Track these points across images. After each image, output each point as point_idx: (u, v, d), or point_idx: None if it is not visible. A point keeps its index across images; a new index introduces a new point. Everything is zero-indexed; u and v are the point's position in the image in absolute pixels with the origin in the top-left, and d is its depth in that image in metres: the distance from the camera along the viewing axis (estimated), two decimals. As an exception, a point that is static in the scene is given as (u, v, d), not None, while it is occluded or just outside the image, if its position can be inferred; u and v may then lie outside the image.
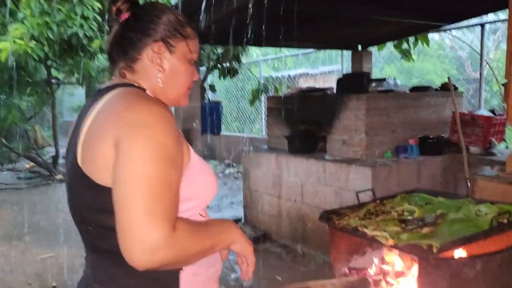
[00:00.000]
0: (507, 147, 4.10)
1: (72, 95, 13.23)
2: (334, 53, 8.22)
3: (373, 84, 3.69)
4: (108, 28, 1.18)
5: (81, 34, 4.56)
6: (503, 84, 2.14)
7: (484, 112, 3.73)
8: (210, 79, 6.69)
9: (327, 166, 3.43)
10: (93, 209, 0.87)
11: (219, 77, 5.63)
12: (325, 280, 1.33)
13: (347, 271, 1.52)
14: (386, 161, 3.34)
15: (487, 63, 4.76)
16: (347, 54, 5.42)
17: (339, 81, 3.94)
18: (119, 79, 0.97)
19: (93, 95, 0.96)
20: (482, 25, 4.37)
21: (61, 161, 6.89)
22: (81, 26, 4.60)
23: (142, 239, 0.75)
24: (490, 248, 1.28)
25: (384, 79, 3.78)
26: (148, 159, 0.79)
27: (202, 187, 0.96)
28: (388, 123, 3.48)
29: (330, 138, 3.64)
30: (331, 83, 6.01)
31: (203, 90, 5.49)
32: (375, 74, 7.73)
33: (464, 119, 3.50)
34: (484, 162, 3.52)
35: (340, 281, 1.32)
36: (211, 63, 5.57)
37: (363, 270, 1.51)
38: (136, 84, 0.95)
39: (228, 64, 5.40)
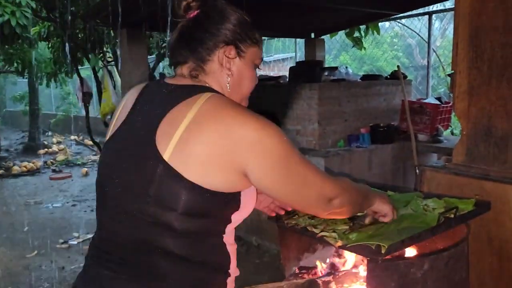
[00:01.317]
0: (452, 133, 4.24)
1: (15, 84, 12.60)
2: (288, 40, 8.19)
3: (326, 73, 3.67)
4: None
5: (13, 22, 4.24)
6: (449, 75, 2.16)
7: (431, 100, 3.81)
8: (161, 67, 6.48)
9: (280, 157, 3.39)
10: (161, 202, 0.85)
11: (170, 66, 5.45)
12: (274, 283, 1.28)
13: (297, 270, 1.48)
14: (338, 150, 3.35)
15: (434, 51, 4.89)
16: (301, 41, 5.40)
17: (292, 69, 3.89)
18: (192, 81, 0.95)
19: (162, 89, 0.95)
20: (430, 15, 4.45)
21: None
22: (13, 13, 4.26)
23: (322, 202, 0.97)
24: (438, 245, 1.27)
25: (336, 68, 3.77)
26: (285, 168, 0.89)
27: (252, 200, 0.99)
28: (340, 112, 3.49)
29: (283, 128, 3.61)
30: (285, 71, 5.98)
31: (153, 79, 5.30)
32: (331, 61, 7.80)
33: (412, 107, 3.56)
34: (431, 150, 3.61)
35: (288, 284, 1.28)
36: (161, 51, 5.37)
37: (314, 269, 1.48)
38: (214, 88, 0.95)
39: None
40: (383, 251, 1.09)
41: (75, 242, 3.76)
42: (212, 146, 0.83)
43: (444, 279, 1.15)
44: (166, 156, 0.84)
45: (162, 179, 0.84)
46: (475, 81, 1.83)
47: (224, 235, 0.93)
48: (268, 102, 3.69)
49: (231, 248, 0.96)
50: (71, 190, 5.58)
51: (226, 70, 0.96)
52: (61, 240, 3.79)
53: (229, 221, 0.93)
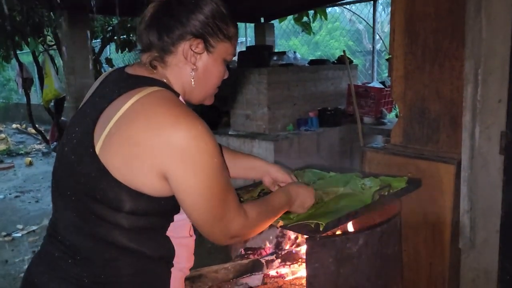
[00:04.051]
0: (396, 115, 4.42)
1: None
2: (239, 25, 8.13)
3: (274, 58, 3.70)
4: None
5: None
6: (387, 59, 2.25)
7: (376, 84, 3.95)
8: (107, 52, 6.26)
9: (230, 141, 3.41)
10: (104, 202, 0.84)
11: (116, 51, 5.27)
12: (219, 265, 1.31)
13: (242, 251, 1.51)
14: (288, 134, 3.41)
15: (380, 36, 5.04)
16: (251, 26, 5.39)
17: (241, 54, 3.89)
18: (148, 71, 0.91)
19: (118, 77, 0.92)
20: (375, 1, 4.58)
21: None
22: None
23: (224, 234, 0.91)
24: (373, 220, 1.35)
25: (284, 53, 3.81)
26: (207, 180, 0.84)
27: None
28: (289, 96, 3.54)
29: (233, 112, 3.62)
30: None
31: (100, 64, 5.11)
32: (283, 46, 7.83)
33: (358, 91, 3.68)
34: (376, 132, 3.76)
35: (233, 265, 1.31)
36: (107, 35, 5.18)
37: (259, 250, 1.52)
38: (166, 82, 0.91)
39: (125, 37, 5.06)
40: (321, 229, 1.14)
41: (19, 235, 3.61)
42: (137, 145, 0.81)
43: (378, 252, 1.22)
44: (97, 149, 0.83)
45: (97, 176, 0.83)
46: (410, 65, 1.92)
47: (168, 230, 0.93)
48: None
49: (180, 241, 0.96)
50: (14, 181, 5.32)
51: (191, 64, 0.92)
52: (4, 233, 3.62)
53: (171, 219, 0.93)
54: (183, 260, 0.98)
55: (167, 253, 0.93)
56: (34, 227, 3.70)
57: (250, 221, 0.95)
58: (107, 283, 0.88)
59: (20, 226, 3.76)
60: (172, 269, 0.95)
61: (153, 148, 0.81)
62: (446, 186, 1.78)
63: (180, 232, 0.95)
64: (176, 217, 0.93)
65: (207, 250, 3.25)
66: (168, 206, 0.89)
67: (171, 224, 0.93)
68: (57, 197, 0.94)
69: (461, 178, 1.68)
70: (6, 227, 3.76)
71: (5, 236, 3.57)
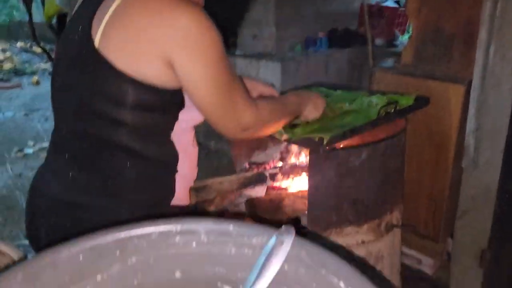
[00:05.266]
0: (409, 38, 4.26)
1: None
2: None
3: (284, -27, 3.49)
4: None
5: None
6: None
7: (390, 3, 3.76)
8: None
9: (237, 62, 3.34)
10: (107, 98, 0.83)
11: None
12: (223, 177, 1.34)
13: (247, 166, 1.54)
14: (295, 54, 3.33)
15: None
16: None
17: (249, -31, 3.67)
18: None
19: None
20: None
21: None
22: None
23: (236, 125, 0.91)
24: (378, 136, 1.35)
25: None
26: (212, 66, 0.83)
27: None
28: (298, 15, 3.40)
29: (240, 32, 3.50)
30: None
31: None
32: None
33: (371, 11, 3.51)
34: (387, 54, 3.65)
35: (237, 177, 1.34)
36: None
37: (263, 165, 1.54)
38: None
39: None
40: (324, 143, 1.15)
41: (31, 151, 3.70)
42: (138, 31, 0.80)
43: (380, 167, 1.23)
44: (96, 43, 0.81)
45: (98, 69, 0.82)
46: (428, -22, 1.81)
47: (171, 132, 0.94)
48: (224, 5, 3.53)
49: (184, 149, 0.97)
50: (22, 99, 5.35)
51: None
52: (16, 149, 3.72)
53: (176, 118, 0.93)
54: (186, 169, 1.00)
55: (171, 159, 0.95)
56: (45, 144, 3.78)
57: (262, 115, 0.96)
58: (113, 188, 0.89)
59: (31, 143, 3.85)
60: (176, 176, 0.97)
61: (156, 33, 0.80)
62: (454, 107, 1.75)
63: (183, 140, 0.96)
64: (179, 121, 0.93)
65: (214, 169, 3.35)
66: (172, 100, 0.88)
67: (175, 130, 0.93)
68: (58, 103, 0.94)
69: (471, 98, 1.65)
70: (17, 143, 3.85)
71: (17, 151, 3.67)
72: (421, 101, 1.42)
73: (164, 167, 0.95)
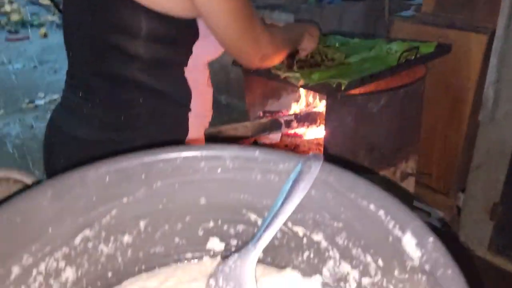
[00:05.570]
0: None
1: None
2: None
3: None
4: None
5: None
6: None
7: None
8: None
9: (249, 13, 3.25)
10: (121, 30, 0.82)
11: None
12: (238, 124, 1.33)
13: (261, 114, 1.53)
14: (309, 6, 3.22)
15: None
16: None
17: None
18: None
19: None
20: None
21: None
22: None
23: (257, 54, 0.92)
24: (397, 84, 1.32)
25: None
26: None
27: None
28: (313, -36, 3.27)
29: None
30: None
31: None
32: None
33: (389, -40, 3.36)
34: (405, 7, 3.52)
35: (252, 124, 1.33)
36: None
37: (277, 113, 1.53)
38: None
39: None
40: (342, 88, 1.13)
41: (42, 102, 3.71)
42: None
43: (398, 114, 1.21)
44: None
45: (111, 1, 0.80)
46: None
47: (185, 68, 0.93)
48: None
49: (198, 88, 0.96)
50: (30, 51, 5.31)
51: None
52: (27, 100, 3.73)
53: (190, 51, 0.91)
54: (201, 108, 0.99)
55: (185, 95, 0.94)
56: (55, 96, 3.78)
57: (277, 40, 0.97)
58: (127, 124, 0.90)
59: (41, 95, 3.85)
60: (190, 115, 0.96)
61: None
62: (475, 58, 1.70)
63: (198, 78, 0.95)
64: (193, 57, 0.91)
65: (225, 122, 3.35)
66: (186, 31, 0.87)
67: (189, 67, 0.91)
68: (71, 40, 0.92)
69: (493, 48, 1.59)
70: (28, 95, 3.85)
71: (28, 103, 3.68)
72: (443, 48, 1.37)
73: (177, 104, 0.94)
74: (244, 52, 0.91)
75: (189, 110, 0.96)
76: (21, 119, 3.36)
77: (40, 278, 0.44)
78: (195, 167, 0.51)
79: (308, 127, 1.37)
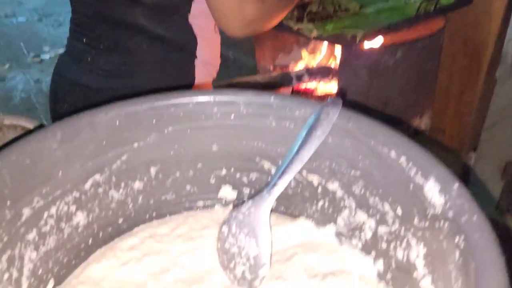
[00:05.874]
0: None
1: None
2: None
3: None
4: None
5: None
6: None
7: None
8: None
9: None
10: None
11: None
12: (248, 77, 1.30)
13: (271, 68, 1.49)
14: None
15: None
16: None
17: None
18: None
19: None
20: None
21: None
22: None
23: (239, 17, 0.80)
24: (414, 36, 1.27)
25: None
26: None
27: None
28: None
29: None
30: None
31: None
32: None
33: None
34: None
35: (263, 77, 1.30)
36: None
37: (288, 66, 1.49)
38: None
39: None
40: (358, 39, 1.08)
41: (47, 56, 3.66)
42: None
43: (414, 67, 1.17)
44: None
45: None
46: None
47: (189, 14, 0.90)
48: None
49: (204, 33, 0.93)
50: (33, 4, 5.19)
51: None
52: (33, 54, 3.68)
53: None
54: (207, 55, 0.96)
55: (189, 42, 0.91)
56: (61, 50, 3.73)
57: (267, 6, 0.84)
58: (131, 71, 0.89)
59: (47, 48, 3.80)
60: (196, 62, 0.94)
61: None
62: (496, 12, 1.62)
63: (203, 24, 0.92)
64: (197, 2, 0.88)
65: (236, 72, 3.29)
66: None
67: (193, 13, 0.89)
68: None
69: (516, 1, 1.52)
70: (33, 48, 3.80)
71: (33, 57, 3.64)
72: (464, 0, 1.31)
73: (182, 51, 0.92)
74: (228, 20, 0.81)
75: (195, 57, 0.94)
76: (27, 73, 3.34)
77: (51, 221, 0.43)
78: (208, 113, 0.49)
79: (319, 81, 1.34)
